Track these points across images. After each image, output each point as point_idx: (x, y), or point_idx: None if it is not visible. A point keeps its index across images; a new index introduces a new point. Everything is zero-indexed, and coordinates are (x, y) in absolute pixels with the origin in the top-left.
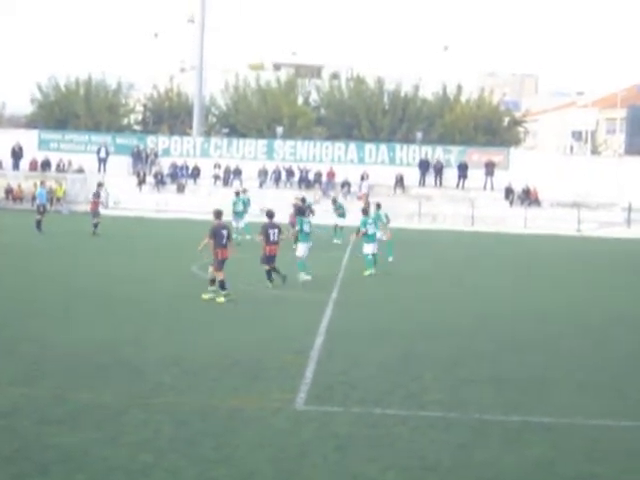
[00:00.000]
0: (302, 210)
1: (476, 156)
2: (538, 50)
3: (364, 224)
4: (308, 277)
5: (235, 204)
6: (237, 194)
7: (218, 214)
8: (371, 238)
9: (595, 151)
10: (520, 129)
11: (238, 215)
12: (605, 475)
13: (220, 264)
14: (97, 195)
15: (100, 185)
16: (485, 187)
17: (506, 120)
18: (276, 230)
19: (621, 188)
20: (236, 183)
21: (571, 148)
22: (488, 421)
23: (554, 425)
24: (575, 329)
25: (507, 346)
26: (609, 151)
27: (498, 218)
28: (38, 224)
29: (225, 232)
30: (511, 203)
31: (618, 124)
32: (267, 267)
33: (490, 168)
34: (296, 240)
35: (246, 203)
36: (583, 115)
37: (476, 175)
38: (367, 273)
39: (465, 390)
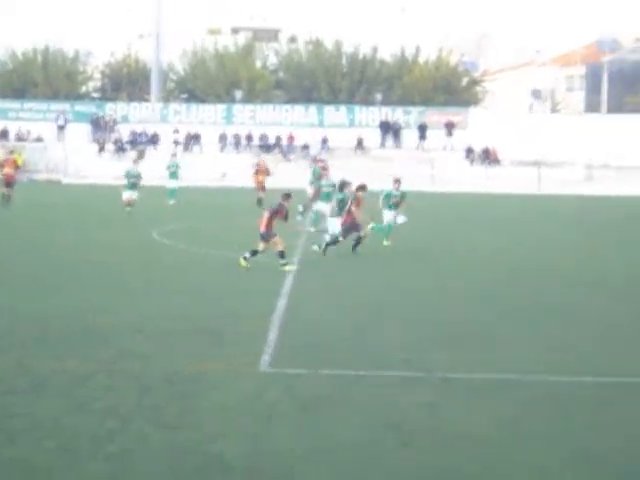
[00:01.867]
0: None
1: (435, 117)
2: (495, 9)
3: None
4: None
5: (169, 167)
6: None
7: (287, 196)
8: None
9: (555, 109)
10: (479, 89)
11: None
12: (570, 430)
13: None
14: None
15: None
16: (445, 147)
17: (465, 80)
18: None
19: (581, 146)
20: (196, 149)
21: (531, 106)
22: (453, 379)
23: (519, 382)
24: (542, 288)
25: (470, 303)
26: (569, 109)
27: (458, 178)
28: None
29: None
30: (471, 163)
31: (577, 82)
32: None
33: (450, 128)
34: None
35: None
36: (542, 73)
37: (436, 135)
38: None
39: (430, 348)
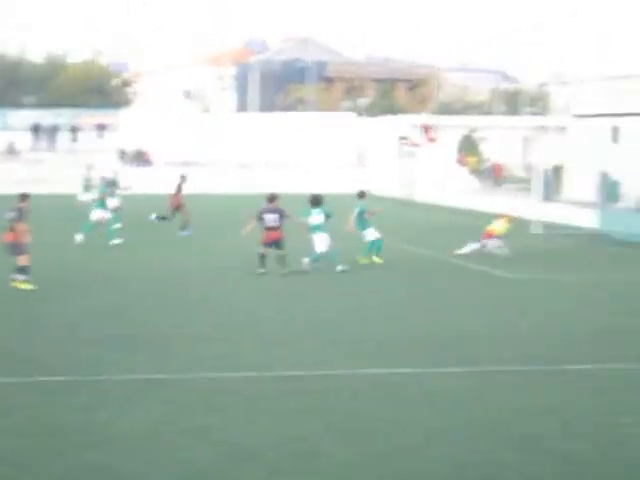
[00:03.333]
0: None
1: (87, 119)
2: (147, 11)
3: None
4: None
5: None
6: None
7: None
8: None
9: (206, 110)
10: (130, 90)
11: None
12: (223, 426)
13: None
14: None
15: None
16: (97, 149)
17: (116, 81)
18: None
19: (233, 145)
20: None
21: (182, 107)
22: (111, 381)
23: (174, 382)
24: (197, 282)
25: (136, 304)
26: (220, 109)
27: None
28: None
29: None
30: (124, 164)
31: (228, 82)
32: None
33: (102, 130)
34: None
35: None
36: (194, 73)
37: (88, 137)
38: None
39: (87, 351)
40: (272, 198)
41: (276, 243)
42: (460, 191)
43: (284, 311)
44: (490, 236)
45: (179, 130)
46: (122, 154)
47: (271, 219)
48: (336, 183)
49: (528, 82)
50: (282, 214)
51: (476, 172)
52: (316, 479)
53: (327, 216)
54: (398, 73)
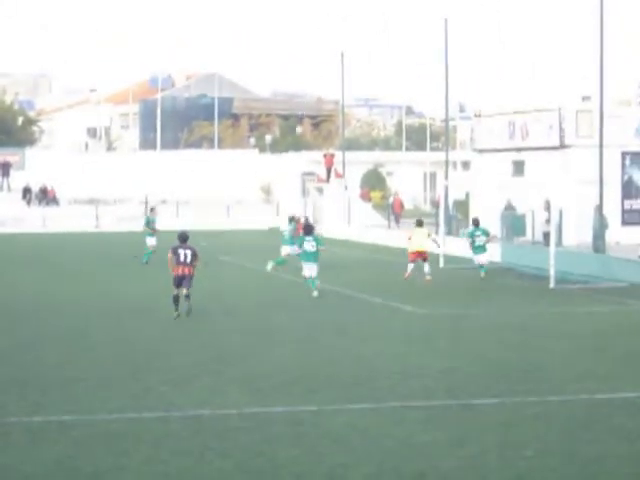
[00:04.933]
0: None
1: None
2: (51, 49)
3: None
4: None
5: None
6: None
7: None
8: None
9: (110, 147)
10: (35, 128)
11: None
12: (130, 467)
13: None
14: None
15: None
16: (2, 188)
17: (20, 120)
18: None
19: (137, 182)
20: None
21: (86, 145)
22: (11, 423)
23: (76, 422)
24: (99, 321)
25: (26, 344)
26: (124, 146)
27: (16, 218)
28: None
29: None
30: (29, 203)
31: (131, 119)
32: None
33: (6, 169)
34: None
35: None
36: (97, 112)
37: None
38: None
39: None
40: (184, 238)
41: (187, 279)
42: (365, 226)
43: (187, 349)
44: (421, 254)
45: (84, 168)
46: (25, 193)
47: (184, 254)
48: (242, 219)
49: (433, 117)
50: (195, 254)
51: (380, 207)
52: None
53: (317, 244)
54: (304, 109)
